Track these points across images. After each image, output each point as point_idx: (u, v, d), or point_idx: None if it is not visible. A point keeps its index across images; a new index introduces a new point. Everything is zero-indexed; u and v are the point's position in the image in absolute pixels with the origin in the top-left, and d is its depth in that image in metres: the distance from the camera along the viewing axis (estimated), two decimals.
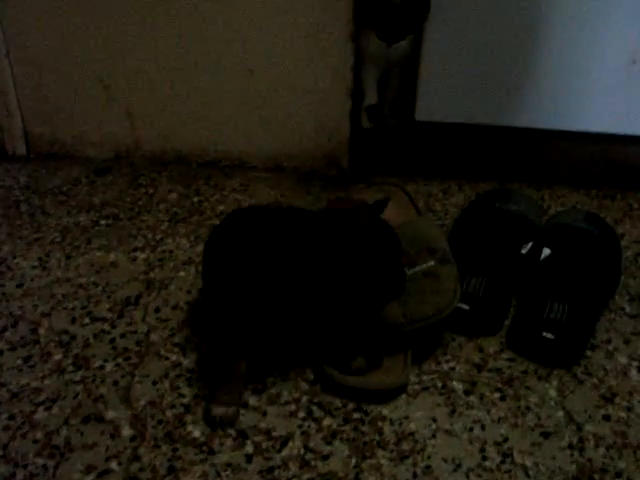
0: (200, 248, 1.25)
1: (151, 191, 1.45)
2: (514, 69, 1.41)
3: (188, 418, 0.93)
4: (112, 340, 1.06)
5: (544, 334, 1.04)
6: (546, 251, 1.17)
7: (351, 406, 0.96)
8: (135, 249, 1.27)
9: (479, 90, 1.43)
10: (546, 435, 0.93)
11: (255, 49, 1.40)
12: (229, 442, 0.91)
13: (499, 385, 1.00)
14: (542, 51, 1.39)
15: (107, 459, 0.88)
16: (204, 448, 0.90)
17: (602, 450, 0.91)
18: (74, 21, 1.42)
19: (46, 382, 0.99)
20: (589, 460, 0.89)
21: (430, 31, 1.38)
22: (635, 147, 1.48)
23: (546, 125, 1.47)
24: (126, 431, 0.92)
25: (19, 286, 1.18)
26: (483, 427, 0.93)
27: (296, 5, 1.35)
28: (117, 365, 1.02)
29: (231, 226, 1.00)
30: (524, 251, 1.18)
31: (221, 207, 1.39)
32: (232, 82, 1.44)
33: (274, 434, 0.92)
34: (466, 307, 1.08)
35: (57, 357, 1.03)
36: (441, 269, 1.05)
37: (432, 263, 1.06)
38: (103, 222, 1.35)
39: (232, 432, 0.92)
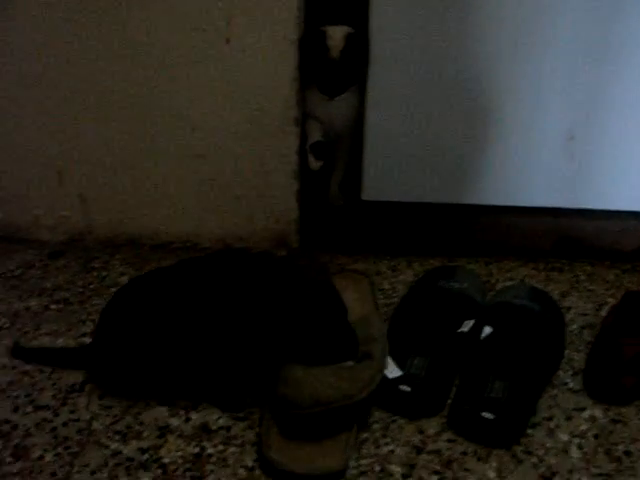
0: None
1: (103, 274, 1.46)
2: (458, 148, 1.45)
3: None
4: (54, 429, 1.06)
5: (483, 414, 1.04)
6: (487, 329, 1.18)
7: None
8: (84, 334, 1.27)
9: (424, 169, 1.46)
10: None
11: (203, 135, 1.43)
12: None
13: (437, 467, 0.99)
14: (484, 130, 1.43)
15: None
16: None
17: None
18: (28, 112, 1.45)
19: None
20: None
21: (373, 112, 1.42)
22: (579, 219, 1.51)
23: (492, 201, 1.50)
24: None
25: None
26: None
27: (241, 92, 1.39)
28: (57, 455, 1.01)
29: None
30: (465, 329, 1.19)
31: None
32: (182, 167, 1.46)
33: None
34: (407, 389, 1.08)
35: None
36: (358, 365, 1.07)
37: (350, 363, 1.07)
38: (54, 307, 1.35)
39: None
